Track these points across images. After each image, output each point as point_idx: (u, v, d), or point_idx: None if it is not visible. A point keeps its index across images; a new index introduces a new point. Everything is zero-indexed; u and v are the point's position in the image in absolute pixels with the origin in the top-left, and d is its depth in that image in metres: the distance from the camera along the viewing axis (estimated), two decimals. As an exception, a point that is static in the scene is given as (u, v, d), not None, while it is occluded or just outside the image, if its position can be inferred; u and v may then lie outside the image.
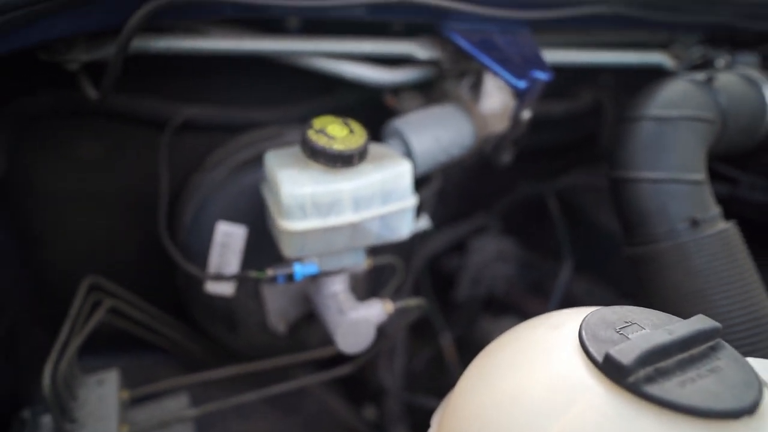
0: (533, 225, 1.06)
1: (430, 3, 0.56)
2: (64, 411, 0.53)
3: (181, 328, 0.76)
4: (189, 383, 0.66)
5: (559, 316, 0.38)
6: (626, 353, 0.29)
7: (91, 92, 0.59)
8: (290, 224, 0.48)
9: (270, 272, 0.51)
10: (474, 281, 1.13)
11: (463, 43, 0.60)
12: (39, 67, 0.57)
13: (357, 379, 0.97)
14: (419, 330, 1.21)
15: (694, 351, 0.32)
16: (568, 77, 1.00)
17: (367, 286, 0.74)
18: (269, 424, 0.88)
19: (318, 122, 0.51)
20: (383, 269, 0.78)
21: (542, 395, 0.31)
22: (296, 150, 0.53)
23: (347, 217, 0.50)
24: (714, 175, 0.73)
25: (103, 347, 0.79)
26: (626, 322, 0.34)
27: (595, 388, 0.30)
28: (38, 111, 0.64)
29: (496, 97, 0.71)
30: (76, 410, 0.56)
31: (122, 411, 0.59)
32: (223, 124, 0.73)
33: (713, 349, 0.32)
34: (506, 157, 0.69)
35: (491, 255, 1.11)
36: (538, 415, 0.30)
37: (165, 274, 0.72)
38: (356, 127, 0.52)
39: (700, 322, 0.32)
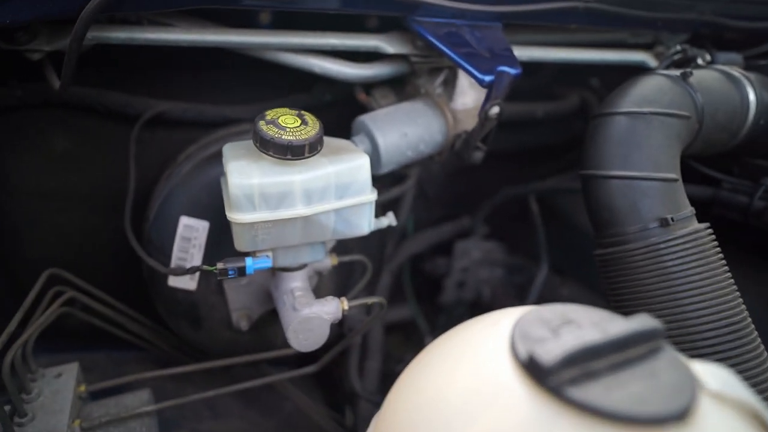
0: (519, 228, 1.04)
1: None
2: (12, 403, 0.52)
3: (149, 325, 0.75)
4: (149, 378, 0.65)
5: (500, 314, 0.36)
6: (550, 353, 0.28)
7: (56, 83, 0.59)
8: (239, 216, 0.47)
9: (220, 265, 0.50)
10: (460, 285, 1.11)
11: (429, 37, 0.58)
12: (8, 60, 0.57)
13: (335, 383, 0.95)
14: (406, 334, 1.19)
15: (631, 353, 0.30)
16: (555, 79, 0.99)
17: (335, 285, 0.73)
18: (243, 425, 0.87)
19: (271, 113, 0.50)
20: (355, 268, 0.76)
21: (464, 394, 0.29)
22: (251, 143, 0.51)
23: (298, 210, 0.49)
24: (697, 177, 0.71)
25: (73, 344, 0.78)
26: (564, 321, 0.32)
27: (518, 389, 0.28)
28: (8, 103, 0.64)
29: (470, 95, 0.69)
30: (29, 403, 0.55)
31: (77, 405, 0.58)
32: (196, 120, 0.73)
33: (653, 351, 0.30)
34: (477, 155, 0.67)
35: (477, 258, 1.08)
36: (457, 415, 0.29)
37: (136, 270, 0.72)
38: (310, 119, 0.51)
39: (639, 322, 0.30)
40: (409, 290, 1.08)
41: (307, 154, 0.49)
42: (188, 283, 0.65)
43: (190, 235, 0.63)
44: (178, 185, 0.64)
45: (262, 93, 0.78)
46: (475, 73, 0.58)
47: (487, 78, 0.57)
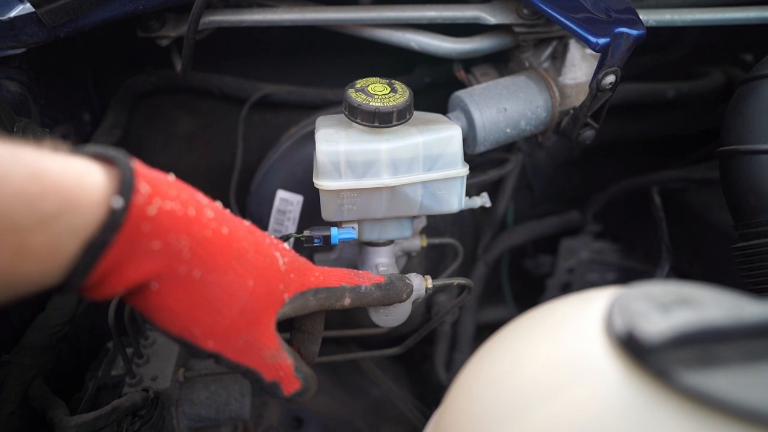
0: (636, 228, 0.91)
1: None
2: (133, 346, 0.58)
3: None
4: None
5: (600, 291, 0.31)
6: (656, 327, 0.22)
7: (179, 66, 0.66)
8: (325, 182, 0.48)
9: (307, 233, 0.51)
10: (564, 287, 1.02)
11: (535, 0, 0.53)
12: (145, 49, 0.65)
13: (424, 375, 0.93)
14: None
15: (775, 342, 0.23)
16: (693, 55, 0.85)
17: (424, 269, 0.71)
18: (332, 402, 0.89)
19: (361, 82, 0.50)
20: (446, 253, 0.73)
21: (544, 369, 0.25)
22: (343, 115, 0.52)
23: (384, 180, 0.48)
24: None
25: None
26: (679, 299, 0.26)
27: (610, 367, 0.23)
28: (145, 88, 0.74)
29: (582, 68, 0.63)
30: (146, 348, 0.62)
31: (183, 356, 0.64)
32: (299, 102, 0.76)
33: (808, 344, 0.23)
34: (586, 134, 0.60)
35: (585, 259, 0.98)
36: (533, 389, 0.25)
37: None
38: (400, 87, 0.50)
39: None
40: (506, 289, 1.01)
41: (395, 122, 0.47)
42: (283, 254, 0.67)
43: (286, 208, 0.65)
44: (276, 161, 0.67)
45: (363, 76, 0.79)
46: (587, 36, 0.51)
47: (601, 41, 0.51)
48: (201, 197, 0.35)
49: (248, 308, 0.35)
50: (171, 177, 0.33)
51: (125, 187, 0.29)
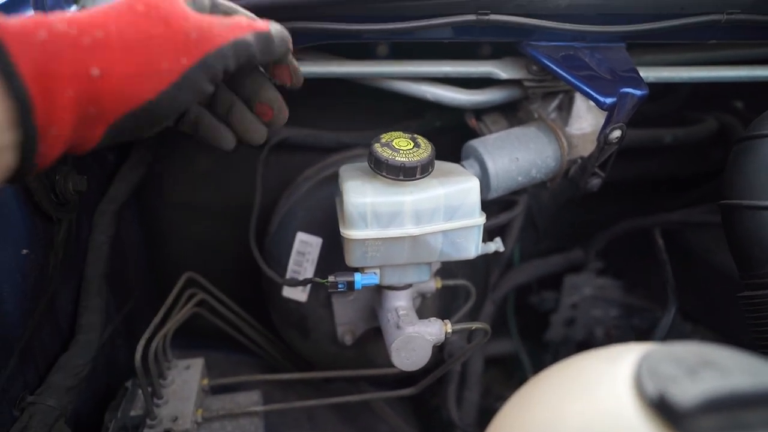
0: (637, 266, 0.94)
1: (510, 21, 0.56)
2: (152, 386, 0.59)
3: (264, 333, 0.81)
4: (261, 381, 0.70)
5: (621, 348, 0.33)
6: (690, 393, 0.24)
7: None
8: (352, 232, 0.50)
9: (331, 278, 0.53)
10: (568, 322, 1.03)
11: (545, 61, 0.57)
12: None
13: (431, 412, 0.93)
14: (508, 371, 1.13)
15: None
16: (687, 103, 0.90)
17: (437, 309, 0.72)
18: (340, 441, 0.88)
19: (386, 137, 0.53)
20: (458, 293, 0.75)
21: (580, 428, 0.27)
22: (367, 165, 0.55)
23: (407, 229, 0.50)
24: None
25: (199, 342, 0.87)
26: (703, 361, 0.28)
27: (644, 429, 0.25)
28: (167, 130, 0.76)
29: (587, 119, 0.66)
30: (164, 387, 0.62)
31: (201, 396, 0.64)
32: (315, 145, 0.79)
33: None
34: (594, 182, 0.63)
35: (588, 295, 1.00)
36: (571, 451, 0.26)
37: (255, 280, 0.79)
38: (423, 142, 0.52)
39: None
40: (512, 323, 1.03)
41: (418, 176, 0.50)
42: (300, 294, 0.69)
43: (305, 249, 0.67)
44: (296, 203, 0.69)
45: (375, 120, 0.82)
46: (596, 95, 0.55)
47: (609, 100, 0.54)
48: None
49: None
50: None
51: None
